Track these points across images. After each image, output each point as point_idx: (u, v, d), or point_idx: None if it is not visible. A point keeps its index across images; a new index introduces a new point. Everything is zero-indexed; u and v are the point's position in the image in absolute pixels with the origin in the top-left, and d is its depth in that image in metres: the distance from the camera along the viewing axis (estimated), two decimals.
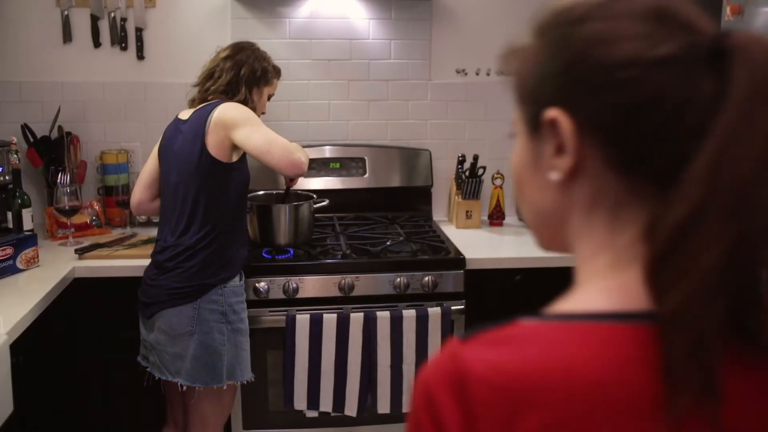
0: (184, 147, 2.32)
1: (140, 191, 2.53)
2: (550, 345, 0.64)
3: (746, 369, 0.63)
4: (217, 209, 2.32)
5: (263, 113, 2.53)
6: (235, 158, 2.33)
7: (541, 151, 0.72)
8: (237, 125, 2.26)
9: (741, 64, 0.63)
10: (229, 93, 2.40)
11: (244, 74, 2.42)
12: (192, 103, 2.45)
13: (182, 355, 2.29)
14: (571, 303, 0.69)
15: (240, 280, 2.41)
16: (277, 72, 2.56)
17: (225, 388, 2.34)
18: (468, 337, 0.67)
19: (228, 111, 2.29)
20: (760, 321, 0.62)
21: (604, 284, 0.69)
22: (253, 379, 2.43)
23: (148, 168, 2.52)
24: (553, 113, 0.69)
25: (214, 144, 2.27)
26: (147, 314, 2.35)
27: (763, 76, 0.62)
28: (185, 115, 2.40)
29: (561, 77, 0.69)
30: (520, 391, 0.62)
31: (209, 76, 2.43)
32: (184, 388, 2.30)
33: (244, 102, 2.40)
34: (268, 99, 2.57)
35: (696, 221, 0.61)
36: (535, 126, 0.71)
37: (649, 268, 0.63)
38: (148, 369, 2.40)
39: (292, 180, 2.71)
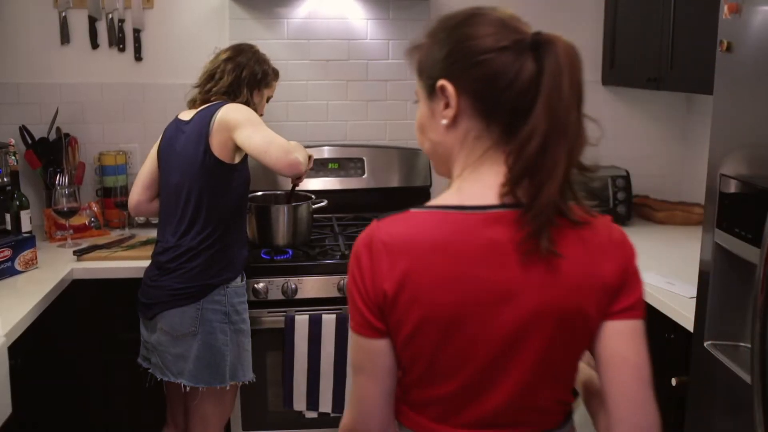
0: (187, 148, 2.32)
1: (139, 192, 2.52)
2: (418, 223, 1.15)
3: (563, 232, 1.13)
4: (219, 210, 2.32)
5: (261, 115, 2.52)
6: (237, 159, 2.33)
7: (435, 107, 1.18)
8: (239, 126, 2.25)
9: (549, 52, 1.10)
10: (231, 94, 2.40)
11: (245, 77, 2.42)
12: (192, 104, 2.44)
13: (185, 355, 2.29)
14: (439, 200, 1.19)
15: (242, 280, 2.41)
16: (275, 74, 2.56)
17: (228, 388, 2.35)
18: (380, 219, 1.17)
19: (231, 112, 2.29)
20: (570, 207, 1.14)
21: (458, 189, 1.19)
22: (254, 380, 2.43)
23: (146, 168, 2.51)
24: (442, 82, 1.15)
25: (218, 145, 2.27)
26: (148, 315, 2.35)
27: (563, 58, 1.09)
28: (186, 115, 2.39)
29: (445, 60, 1.15)
30: (398, 246, 1.13)
31: (210, 77, 2.43)
32: (188, 388, 2.30)
33: (246, 104, 2.40)
34: (267, 101, 2.58)
35: (545, 148, 1.09)
36: (431, 92, 1.18)
37: (513, 179, 1.11)
38: (149, 370, 2.40)
39: (298, 178, 2.69)
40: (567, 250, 1.12)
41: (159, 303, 2.31)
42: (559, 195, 1.11)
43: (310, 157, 2.58)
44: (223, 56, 2.45)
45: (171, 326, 2.29)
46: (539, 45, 1.11)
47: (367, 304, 1.16)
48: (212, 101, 2.37)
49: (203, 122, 2.29)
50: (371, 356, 1.18)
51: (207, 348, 2.29)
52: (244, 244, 2.47)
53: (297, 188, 2.82)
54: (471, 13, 1.17)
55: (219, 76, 2.41)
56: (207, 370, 2.30)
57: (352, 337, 1.21)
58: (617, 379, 1.15)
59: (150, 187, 2.50)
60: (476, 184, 1.17)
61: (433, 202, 1.19)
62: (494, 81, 1.11)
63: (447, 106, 1.15)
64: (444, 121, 1.17)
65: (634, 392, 1.14)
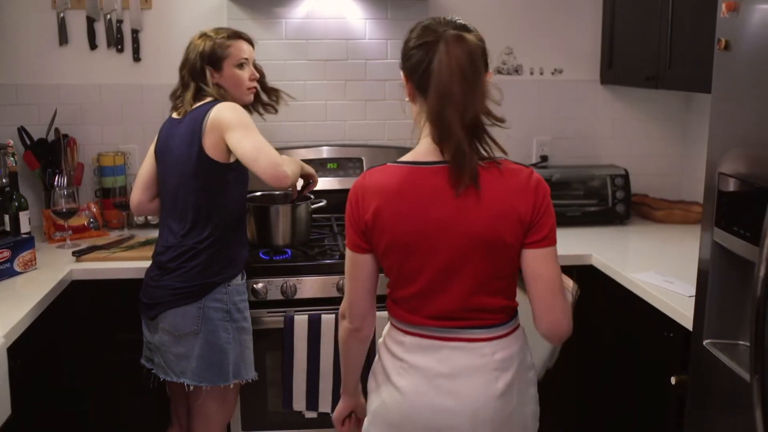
0: (181, 148, 2.31)
1: (139, 192, 2.51)
2: (388, 174, 1.64)
3: (487, 178, 1.58)
4: (217, 210, 2.32)
5: (254, 79, 2.45)
6: (232, 159, 2.31)
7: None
8: (230, 128, 2.24)
9: (439, 46, 1.57)
10: (193, 93, 2.35)
11: (192, 71, 2.36)
12: (176, 107, 2.40)
13: (187, 355, 2.29)
14: (405, 157, 1.66)
15: (242, 278, 2.41)
16: (231, 37, 2.39)
17: (231, 386, 2.35)
18: (368, 170, 1.67)
19: (223, 112, 2.26)
20: (492, 158, 1.60)
21: (416, 150, 1.67)
22: (257, 377, 2.43)
23: (145, 168, 2.50)
24: (401, 72, 1.67)
25: (211, 145, 2.26)
26: (150, 315, 2.35)
27: (448, 49, 1.56)
28: (179, 114, 2.38)
29: (401, 57, 1.67)
30: (374, 189, 1.63)
31: (176, 91, 2.43)
32: (191, 388, 2.31)
33: (217, 94, 2.35)
34: (242, 66, 2.40)
35: (440, 113, 1.56)
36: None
37: (435, 140, 1.61)
38: (153, 371, 2.40)
39: (305, 187, 2.68)
40: (489, 191, 1.59)
41: (161, 303, 2.31)
42: (468, 148, 1.57)
43: (311, 175, 2.59)
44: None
45: (173, 326, 2.29)
46: (438, 42, 1.58)
47: (356, 229, 1.68)
48: (204, 101, 2.33)
49: (195, 122, 2.28)
50: (357, 266, 1.72)
51: (210, 347, 2.29)
52: (245, 242, 2.47)
53: (305, 194, 2.77)
54: (418, 22, 1.68)
55: (184, 81, 2.39)
56: (210, 369, 2.30)
57: (347, 253, 1.73)
58: (535, 289, 1.64)
59: (150, 187, 2.49)
60: (425, 146, 1.65)
61: (402, 158, 1.67)
62: (415, 70, 1.61)
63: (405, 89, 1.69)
64: (407, 99, 1.71)
65: (548, 299, 1.64)
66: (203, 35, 2.40)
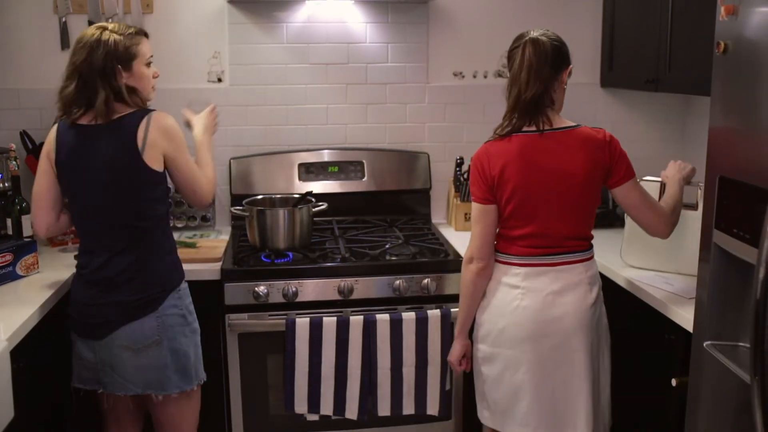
0: (109, 161, 2.18)
1: (46, 213, 2.29)
2: (503, 142, 2.21)
3: (567, 139, 2.19)
4: (158, 216, 2.26)
5: (156, 76, 2.33)
6: (163, 167, 2.24)
7: None
8: (174, 153, 2.23)
9: (527, 45, 2.16)
10: (95, 96, 2.18)
11: (94, 72, 2.17)
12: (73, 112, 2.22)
13: (151, 365, 2.23)
14: (504, 130, 2.22)
15: (184, 281, 2.35)
16: (138, 34, 2.27)
17: (195, 389, 2.33)
18: (486, 142, 2.24)
19: (166, 132, 2.21)
20: (546, 118, 2.19)
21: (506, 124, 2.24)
22: (205, 379, 2.39)
23: (47, 183, 2.27)
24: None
25: (153, 158, 2.19)
26: (98, 335, 2.24)
27: (529, 49, 2.16)
28: (87, 120, 2.21)
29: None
30: (495, 153, 2.20)
31: (70, 94, 2.23)
32: (160, 398, 2.26)
33: (132, 95, 2.22)
34: (148, 65, 2.29)
35: (512, 90, 2.22)
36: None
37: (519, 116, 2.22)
38: (100, 391, 2.31)
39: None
40: (572, 148, 2.17)
41: (112, 321, 2.20)
42: (520, 121, 2.18)
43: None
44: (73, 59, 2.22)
45: (132, 340, 2.20)
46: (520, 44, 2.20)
47: (485, 185, 2.20)
48: (127, 110, 2.21)
49: (127, 135, 2.17)
50: (485, 215, 2.22)
51: (173, 353, 2.25)
52: (174, 244, 2.36)
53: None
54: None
55: (84, 92, 2.20)
56: (177, 375, 2.26)
57: (475, 207, 2.23)
58: (634, 213, 2.25)
59: (55, 206, 2.30)
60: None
61: (499, 131, 2.22)
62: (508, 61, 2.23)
63: None
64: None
65: (647, 215, 2.23)
66: (103, 29, 2.21)
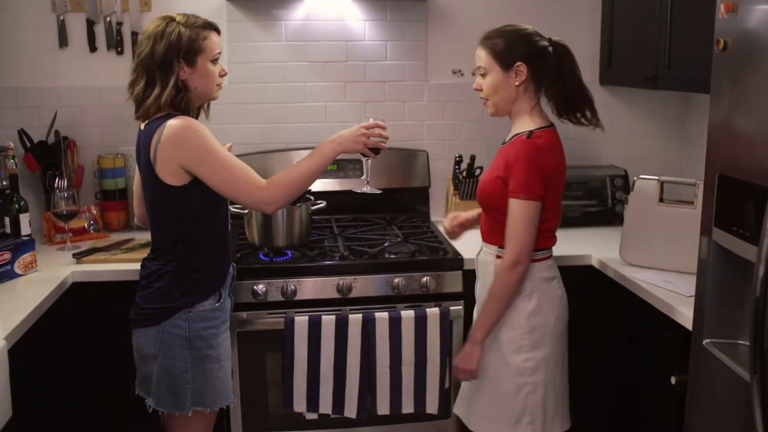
0: (141, 168, 2.19)
1: (138, 204, 2.40)
2: (547, 134, 2.20)
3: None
4: (182, 235, 2.17)
5: (223, 75, 2.22)
6: (189, 179, 2.11)
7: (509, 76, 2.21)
8: (193, 161, 2.07)
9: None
10: (152, 93, 2.10)
11: (155, 64, 2.09)
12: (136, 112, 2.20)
13: (150, 376, 2.21)
14: (541, 124, 2.23)
15: (216, 303, 2.23)
16: (207, 28, 2.16)
17: (189, 415, 2.21)
18: (533, 135, 2.16)
19: (176, 140, 2.05)
20: (586, 114, 2.32)
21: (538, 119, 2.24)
22: (232, 403, 2.33)
23: (137, 178, 2.36)
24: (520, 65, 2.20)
25: (164, 172, 2.09)
26: (129, 329, 2.27)
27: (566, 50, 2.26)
28: (143, 125, 2.20)
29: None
30: (548, 146, 2.17)
31: (132, 80, 2.16)
32: (151, 409, 2.24)
33: (182, 95, 2.11)
34: (214, 62, 2.18)
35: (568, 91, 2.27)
36: (508, 68, 2.19)
37: (558, 111, 2.31)
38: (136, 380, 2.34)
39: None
40: None
41: (132, 320, 2.23)
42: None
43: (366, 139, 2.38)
44: (138, 51, 2.15)
45: (137, 345, 2.22)
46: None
47: (544, 181, 2.11)
48: (150, 112, 2.13)
49: (147, 146, 2.11)
50: (537, 213, 2.13)
51: (166, 372, 2.18)
52: (219, 267, 2.27)
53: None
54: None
55: (134, 77, 2.13)
56: (169, 395, 2.20)
57: (532, 206, 2.11)
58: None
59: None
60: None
61: (538, 126, 2.20)
62: (544, 63, 2.23)
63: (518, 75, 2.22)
64: (517, 82, 2.20)
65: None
66: (170, 20, 2.11)
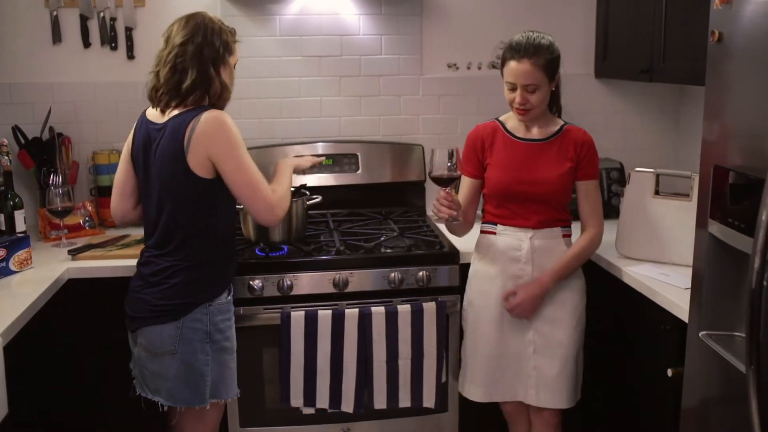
0: (163, 162, 2.16)
1: (120, 200, 2.35)
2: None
3: None
4: (205, 229, 2.19)
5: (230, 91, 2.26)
6: (215, 174, 2.15)
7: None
8: (221, 158, 2.10)
9: None
10: (202, 85, 2.14)
11: (208, 57, 2.14)
12: (158, 102, 2.18)
13: (163, 374, 2.21)
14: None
15: (228, 296, 2.28)
16: (233, 35, 2.26)
17: (208, 407, 2.25)
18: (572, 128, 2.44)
19: (209, 132, 2.08)
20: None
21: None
22: (239, 395, 2.36)
23: (122, 174, 2.33)
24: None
25: (197, 164, 2.11)
26: (131, 328, 2.26)
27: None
28: (157, 117, 2.19)
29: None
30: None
31: (173, 70, 2.14)
32: (165, 408, 2.24)
33: (220, 91, 2.17)
34: (234, 66, 2.28)
35: None
36: (552, 79, 2.33)
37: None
38: (134, 381, 2.33)
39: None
40: None
41: (140, 317, 2.21)
42: None
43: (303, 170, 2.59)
44: (179, 39, 2.14)
45: (150, 343, 2.20)
46: None
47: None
48: (187, 103, 2.15)
49: (177, 135, 2.11)
50: None
51: (186, 368, 2.19)
52: (234, 259, 2.35)
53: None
54: None
55: (182, 67, 2.13)
56: (186, 390, 2.21)
57: (598, 185, 2.48)
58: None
59: (131, 195, 2.34)
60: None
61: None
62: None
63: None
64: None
65: None
66: (204, 15, 2.18)
